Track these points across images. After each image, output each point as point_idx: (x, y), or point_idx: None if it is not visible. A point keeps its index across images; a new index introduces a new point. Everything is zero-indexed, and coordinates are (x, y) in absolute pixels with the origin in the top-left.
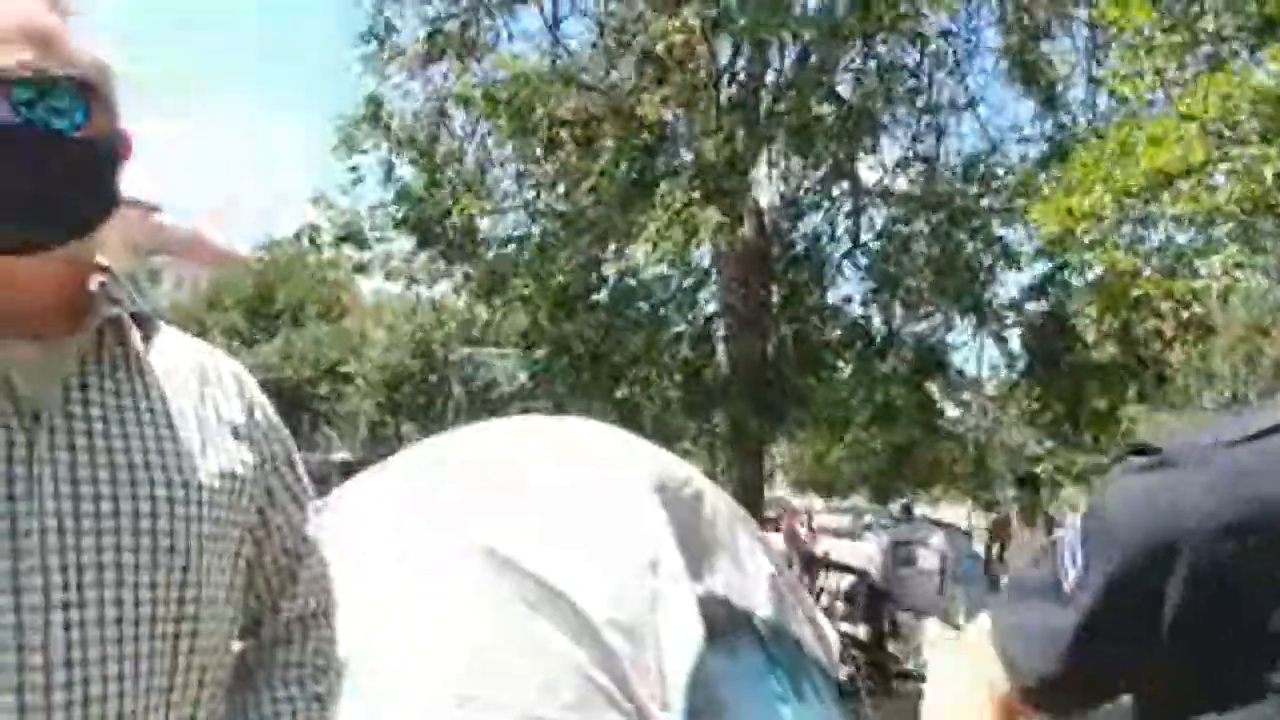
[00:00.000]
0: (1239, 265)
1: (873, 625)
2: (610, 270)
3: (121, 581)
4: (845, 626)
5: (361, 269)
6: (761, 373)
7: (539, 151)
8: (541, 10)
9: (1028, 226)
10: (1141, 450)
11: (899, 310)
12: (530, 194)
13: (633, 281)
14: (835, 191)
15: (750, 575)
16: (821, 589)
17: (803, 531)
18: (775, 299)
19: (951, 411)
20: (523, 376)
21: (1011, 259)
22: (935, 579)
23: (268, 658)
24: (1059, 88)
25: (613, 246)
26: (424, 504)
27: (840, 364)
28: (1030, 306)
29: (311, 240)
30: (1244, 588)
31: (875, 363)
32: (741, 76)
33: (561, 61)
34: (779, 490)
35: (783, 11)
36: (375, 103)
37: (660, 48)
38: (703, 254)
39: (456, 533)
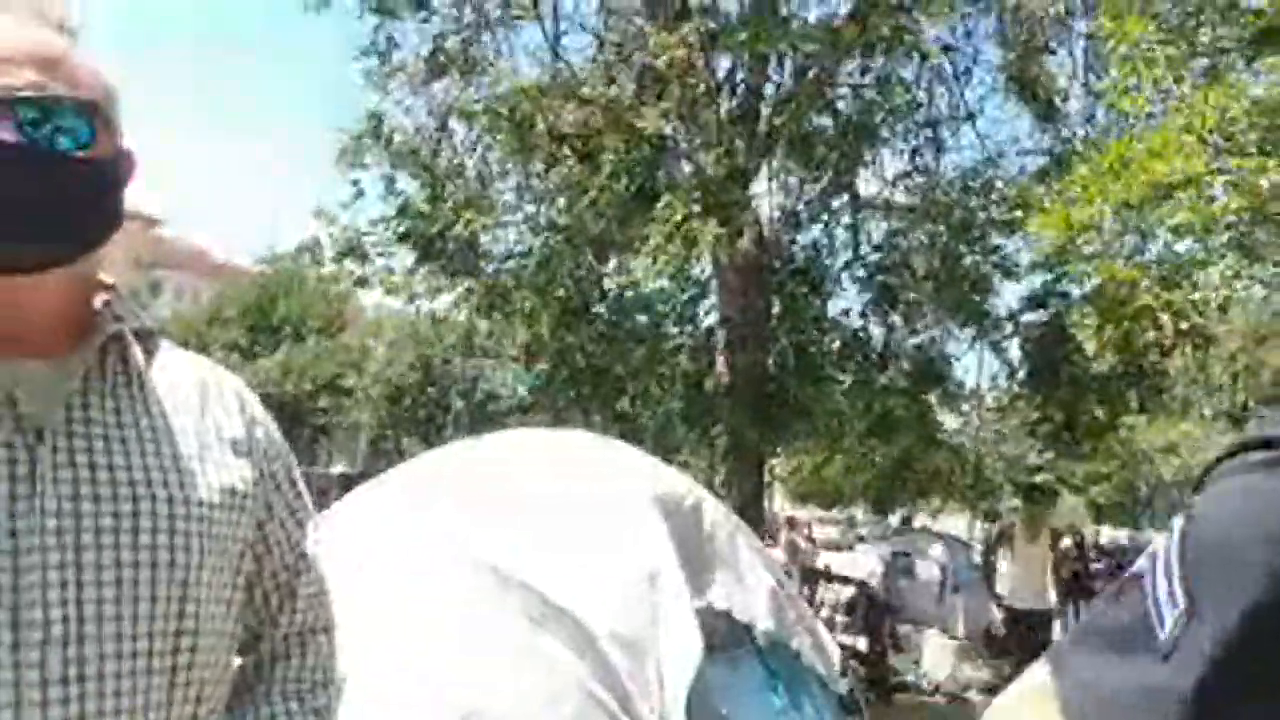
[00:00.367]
0: (1237, 275)
1: (873, 637)
2: (610, 283)
3: (121, 598)
4: (845, 638)
5: (363, 283)
6: (761, 384)
7: (540, 165)
8: (542, 26)
9: (1026, 238)
10: (1265, 443)
11: (898, 322)
12: (531, 208)
13: (633, 294)
14: (835, 204)
15: (750, 588)
16: (821, 601)
17: (802, 544)
18: (775, 311)
19: (951, 423)
20: (523, 390)
21: (1010, 271)
22: (935, 590)
23: (267, 673)
24: (1057, 101)
25: (613, 259)
26: (424, 518)
27: (840, 375)
28: (1029, 317)
29: (313, 254)
30: None
31: (874, 374)
32: (741, 90)
33: (562, 76)
34: (778, 502)
35: (782, 25)
36: (377, 118)
37: (660, 62)
38: (703, 266)
39: (458, 547)
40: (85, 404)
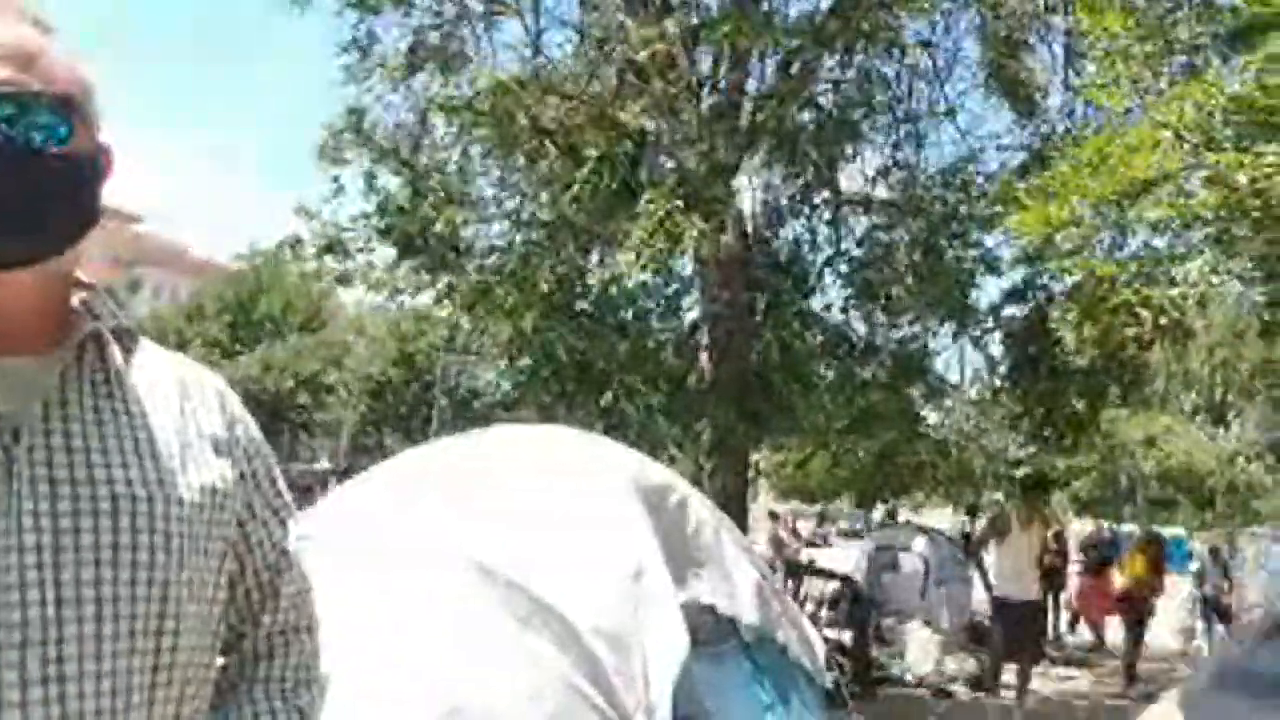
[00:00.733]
0: (1215, 271)
1: (857, 631)
2: (594, 279)
3: (100, 598)
4: (829, 632)
5: (344, 280)
6: (745, 380)
7: (521, 161)
8: (523, 20)
9: (1007, 233)
10: None
11: (880, 317)
12: (513, 203)
13: (616, 290)
14: (816, 200)
15: (735, 583)
16: (805, 595)
17: (787, 538)
18: (758, 306)
19: (933, 417)
20: (506, 385)
21: (991, 265)
22: (918, 583)
23: (249, 672)
24: (1037, 96)
25: (596, 255)
26: (409, 515)
27: (822, 370)
28: (1010, 311)
29: (294, 251)
30: None
31: (857, 369)
32: (722, 85)
33: (543, 71)
34: (763, 497)
35: (763, 21)
36: (357, 113)
37: (641, 57)
38: (685, 262)
39: (442, 543)
40: (63, 402)
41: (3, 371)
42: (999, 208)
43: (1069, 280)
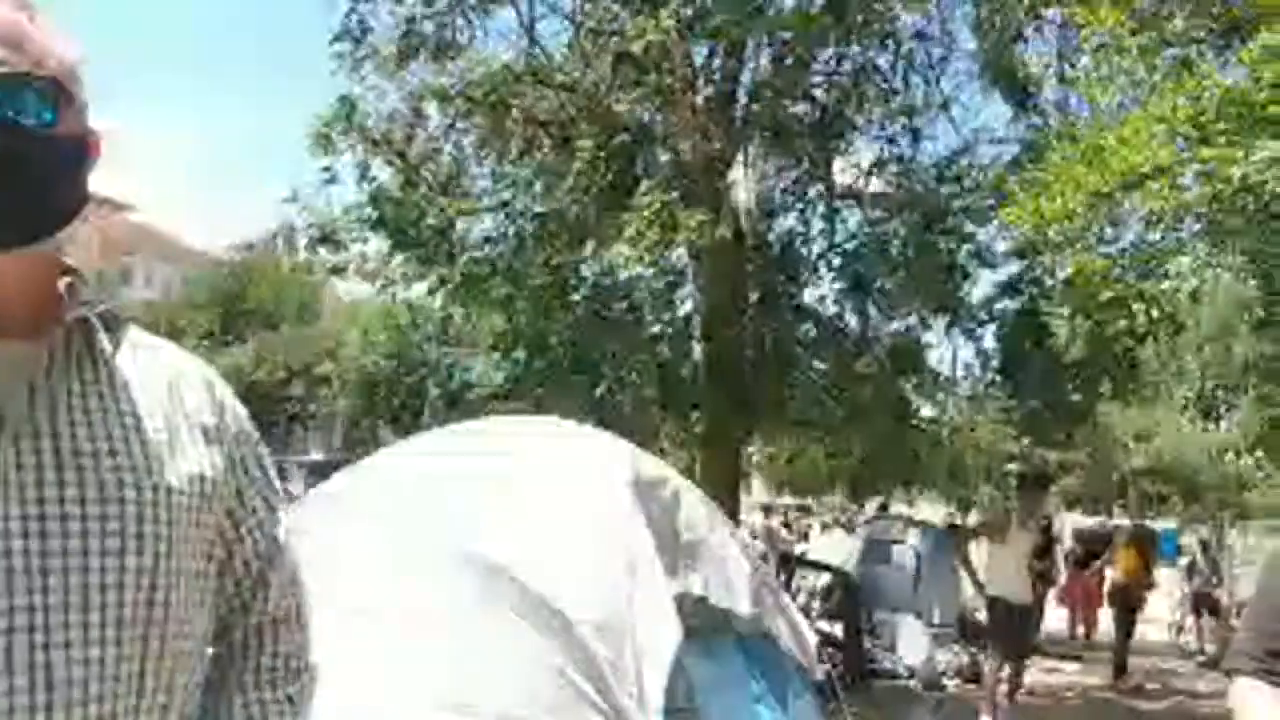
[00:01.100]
0: (1207, 265)
1: (848, 623)
2: (588, 270)
3: (87, 585)
4: (821, 625)
5: (337, 270)
6: (738, 372)
7: (515, 152)
8: (517, 9)
9: (1001, 227)
10: None
11: (874, 310)
12: (507, 194)
13: (610, 282)
14: (810, 192)
15: (728, 574)
16: (798, 587)
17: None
18: (751, 299)
19: (926, 410)
20: (499, 377)
21: (985, 259)
22: (910, 576)
23: (239, 660)
24: (1032, 89)
25: (590, 247)
26: (400, 508)
27: (816, 363)
28: (1003, 305)
29: (287, 241)
30: None
31: (850, 362)
32: (717, 77)
33: (537, 61)
34: (756, 489)
35: (757, 13)
36: (349, 103)
37: (636, 48)
38: (680, 255)
39: (435, 536)
40: (49, 389)
41: None
42: (993, 201)
43: (1062, 274)
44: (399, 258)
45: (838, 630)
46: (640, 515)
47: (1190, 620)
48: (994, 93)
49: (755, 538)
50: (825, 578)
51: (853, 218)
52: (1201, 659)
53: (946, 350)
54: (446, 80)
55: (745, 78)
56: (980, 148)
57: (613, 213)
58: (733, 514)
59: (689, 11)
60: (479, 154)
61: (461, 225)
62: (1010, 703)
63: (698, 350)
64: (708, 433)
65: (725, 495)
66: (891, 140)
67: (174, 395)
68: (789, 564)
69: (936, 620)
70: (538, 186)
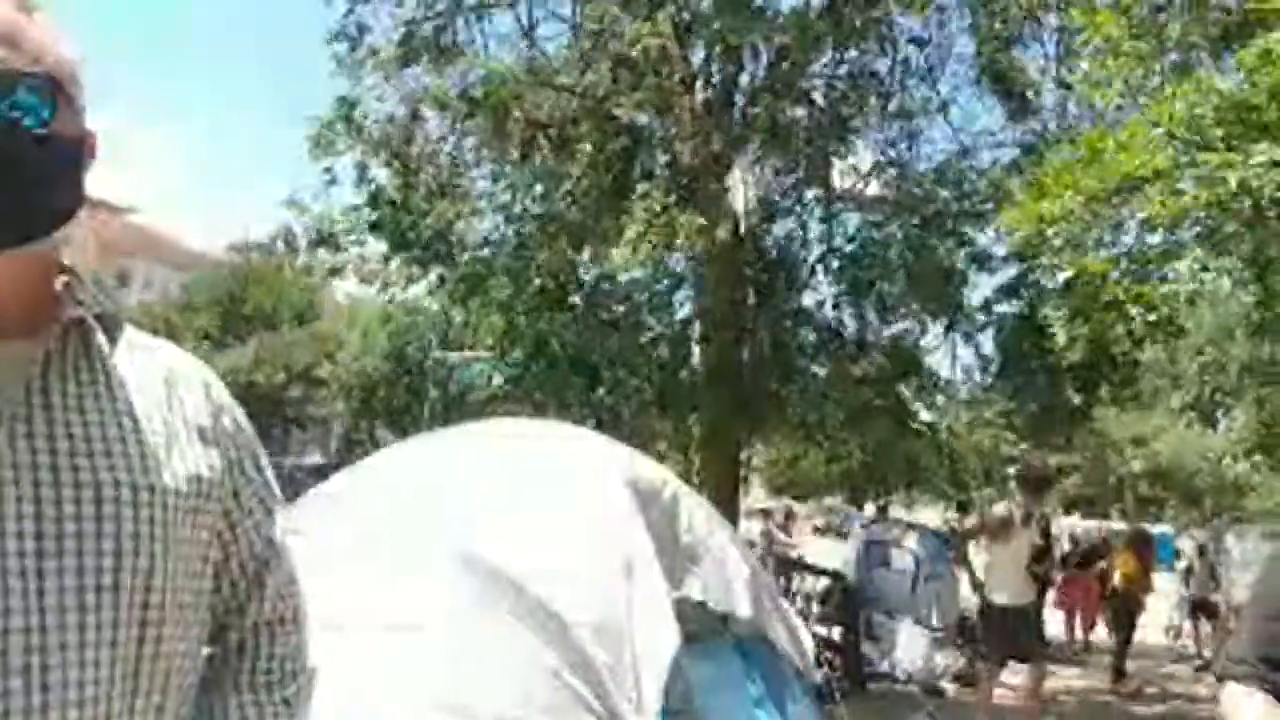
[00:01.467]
0: (1205, 269)
1: (847, 626)
2: (587, 273)
3: (83, 587)
4: (819, 628)
5: (336, 272)
6: (737, 375)
7: (515, 154)
8: (516, 13)
9: (999, 230)
10: None
11: (872, 313)
12: (506, 196)
13: (609, 284)
14: (809, 196)
15: (727, 578)
16: (796, 591)
17: (778, 534)
18: (750, 302)
19: (925, 414)
20: (499, 379)
21: (983, 262)
22: (909, 580)
23: (235, 662)
24: (1030, 94)
25: (589, 249)
26: (399, 509)
27: (814, 367)
28: (1002, 308)
29: (286, 243)
30: None
31: (849, 365)
32: (716, 81)
33: (537, 64)
34: (755, 493)
35: (755, 17)
36: (348, 104)
37: (635, 51)
38: (679, 257)
39: (433, 538)
40: (45, 389)
41: None
42: (991, 204)
43: (1061, 277)
44: (398, 259)
45: (836, 634)
46: (639, 518)
47: (1187, 624)
48: (992, 97)
49: (753, 541)
50: (823, 581)
51: (851, 221)
52: (1198, 663)
53: (945, 353)
54: (446, 83)
55: (743, 81)
56: (978, 151)
57: (612, 215)
58: (731, 517)
59: (687, 15)
60: (478, 156)
61: (460, 227)
62: (1041, 708)
63: (696, 353)
64: (706, 435)
65: (724, 498)
66: (890, 144)
67: (171, 396)
68: (787, 567)
69: (935, 624)
70: (537, 189)
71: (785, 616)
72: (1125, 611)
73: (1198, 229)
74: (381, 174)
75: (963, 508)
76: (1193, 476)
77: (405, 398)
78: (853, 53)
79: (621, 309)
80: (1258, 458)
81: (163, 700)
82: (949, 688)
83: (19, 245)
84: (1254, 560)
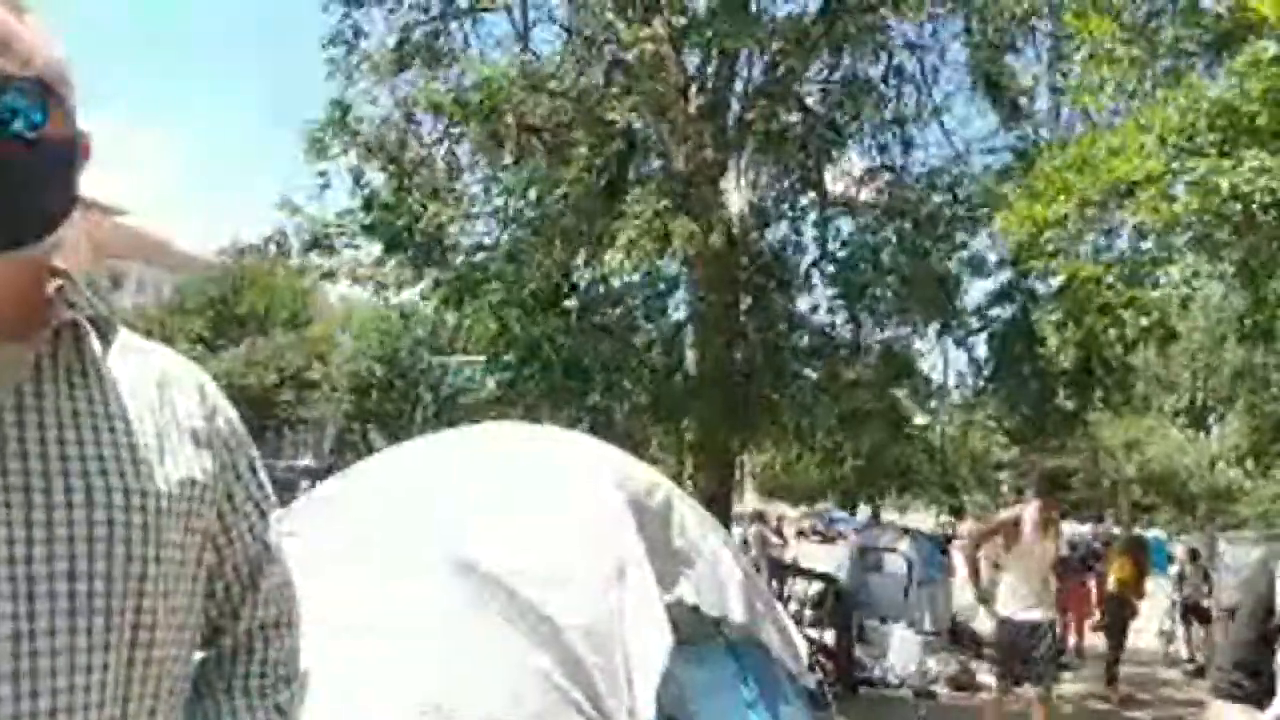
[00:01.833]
0: (1196, 274)
1: (840, 631)
2: (580, 277)
3: (74, 592)
4: (812, 632)
5: (329, 275)
6: (730, 380)
7: (509, 158)
8: (511, 16)
9: (993, 235)
10: None
11: (866, 318)
12: (500, 200)
13: (603, 289)
14: (803, 201)
15: (720, 582)
16: (789, 595)
17: (772, 538)
18: (744, 307)
19: (918, 418)
20: (492, 383)
21: (977, 267)
22: (902, 584)
23: (228, 667)
24: (1023, 100)
25: (583, 254)
26: (391, 513)
27: (807, 371)
28: (996, 313)
29: (279, 246)
30: None
31: (842, 370)
32: (710, 85)
33: (531, 68)
34: (748, 496)
35: (750, 22)
36: (342, 108)
37: (630, 56)
38: (672, 262)
39: (425, 541)
40: (38, 392)
41: None
42: (984, 210)
43: (1054, 282)
44: (391, 262)
45: (829, 638)
46: (631, 521)
47: (1180, 629)
48: (985, 102)
49: (746, 539)
50: (816, 585)
51: (845, 226)
52: (1190, 668)
53: (938, 358)
54: (440, 86)
55: (738, 86)
56: (972, 157)
57: (605, 219)
58: (724, 521)
59: (683, 20)
60: (472, 160)
61: (454, 230)
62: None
63: (690, 357)
64: (699, 439)
65: (716, 502)
66: (883, 149)
67: (165, 399)
68: (781, 572)
69: (928, 628)
70: (531, 193)
71: (778, 620)
72: (1119, 617)
73: (1190, 234)
74: (376, 177)
75: (955, 512)
76: (1185, 482)
77: (398, 401)
78: (847, 58)
79: (615, 313)
80: (1249, 463)
81: (155, 704)
82: (941, 692)
83: (10, 249)
84: (1245, 565)
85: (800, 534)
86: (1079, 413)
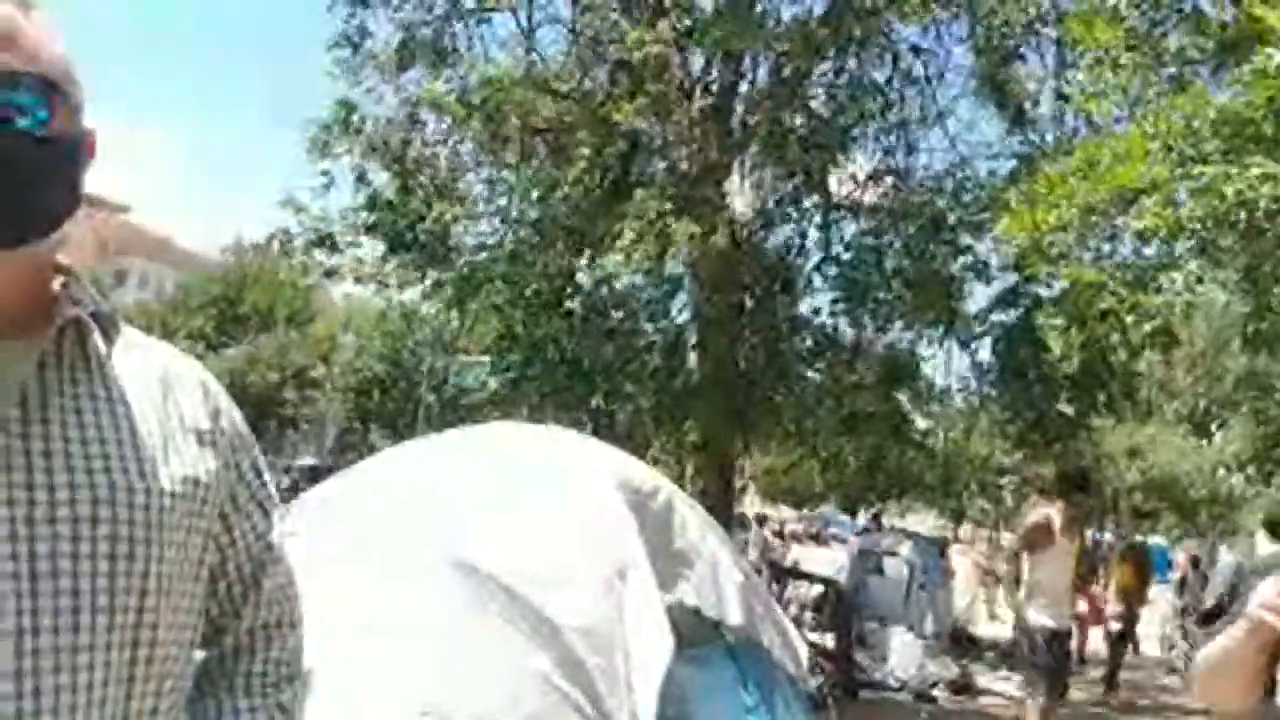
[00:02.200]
0: (1200, 281)
1: (840, 634)
2: (583, 278)
3: (77, 589)
4: (813, 636)
5: (332, 274)
6: (732, 382)
7: (512, 158)
8: (516, 17)
9: (997, 239)
10: None
11: (869, 321)
12: (503, 200)
13: (606, 290)
14: (806, 203)
15: (720, 585)
16: (790, 598)
17: (773, 540)
18: (746, 309)
19: (920, 423)
20: (494, 383)
21: (980, 271)
22: (902, 588)
23: (230, 666)
24: (1027, 105)
25: (586, 255)
26: (392, 512)
27: (810, 374)
28: (999, 317)
29: (282, 245)
30: None
31: (844, 373)
32: (715, 87)
33: (536, 68)
34: (750, 500)
35: (755, 25)
36: (348, 107)
37: (634, 57)
38: (675, 263)
39: (425, 541)
40: (41, 389)
41: None
42: (988, 214)
43: (1057, 287)
44: (395, 261)
45: (829, 641)
46: (632, 522)
47: (1180, 637)
48: (990, 107)
49: (746, 539)
50: (817, 588)
51: (849, 229)
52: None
53: (941, 362)
54: (445, 86)
55: (742, 88)
56: (976, 162)
57: (609, 220)
58: (725, 523)
59: (688, 22)
60: (476, 160)
61: (457, 230)
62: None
63: (693, 359)
64: (701, 441)
65: (718, 505)
66: (888, 152)
67: (168, 397)
68: (782, 575)
69: (928, 631)
70: (534, 193)
71: (779, 622)
72: (1120, 623)
73: (1194, 241)
74: (379, 177)
75: (956, 516)
76: (1187, 488)
77: (400, 401)
78: (852, 62)
79: (618, 314)
80: (1252, 470)
81: (157, 703)
82: (941, 695)
83: (15, 247)
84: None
85: (794, 537)
86: (1082, 418)
